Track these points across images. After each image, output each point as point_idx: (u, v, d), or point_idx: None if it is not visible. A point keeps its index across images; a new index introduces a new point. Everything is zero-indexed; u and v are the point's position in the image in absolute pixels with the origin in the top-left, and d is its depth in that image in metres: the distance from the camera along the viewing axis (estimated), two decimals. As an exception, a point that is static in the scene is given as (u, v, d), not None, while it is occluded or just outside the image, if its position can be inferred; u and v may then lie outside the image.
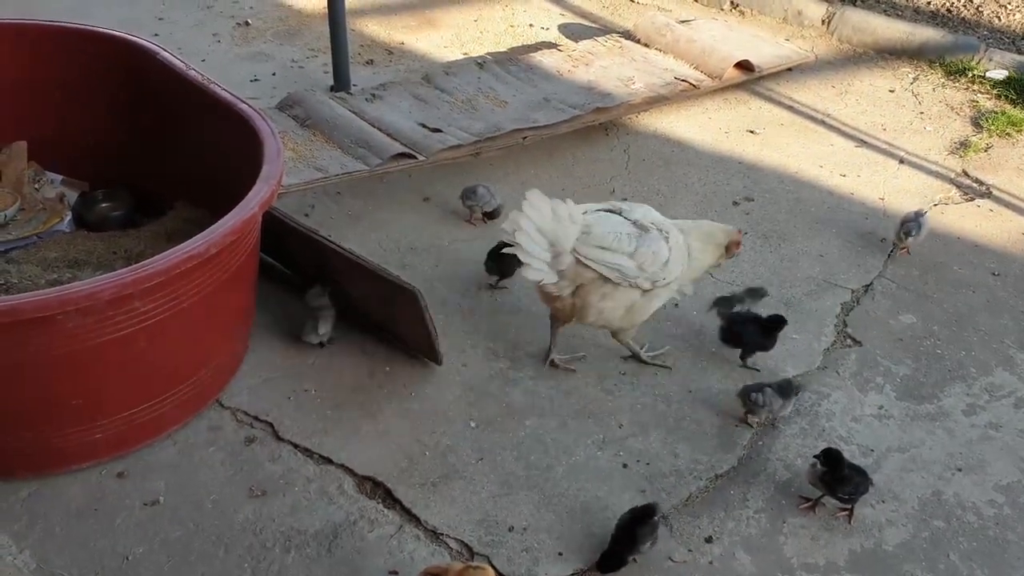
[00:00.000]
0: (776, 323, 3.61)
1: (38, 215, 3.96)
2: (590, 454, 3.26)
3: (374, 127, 4.56)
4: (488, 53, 5.74)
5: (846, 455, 3.10)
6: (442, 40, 6.06)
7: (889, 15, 6.32)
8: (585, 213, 3.33)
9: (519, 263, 3.27)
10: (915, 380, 3.65)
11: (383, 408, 3.37)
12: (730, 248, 3.54)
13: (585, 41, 5.78)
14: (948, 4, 6.52)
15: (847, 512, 3.08)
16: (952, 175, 4.94)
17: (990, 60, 5.81)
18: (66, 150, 4.17)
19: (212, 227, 2.93)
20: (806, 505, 3.10)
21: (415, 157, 4.37)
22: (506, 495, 3.08)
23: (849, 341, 3.82)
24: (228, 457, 3.16)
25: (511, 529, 2.97)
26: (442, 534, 2.94)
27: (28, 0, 5.88)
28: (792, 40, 6.14)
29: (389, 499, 3.05)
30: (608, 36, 5.86)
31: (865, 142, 5.21)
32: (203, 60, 5.48)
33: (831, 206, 4.65)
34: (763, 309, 3.74)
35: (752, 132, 5.23)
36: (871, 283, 4.14)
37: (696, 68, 5.46)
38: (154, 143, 4.05)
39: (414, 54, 5.89)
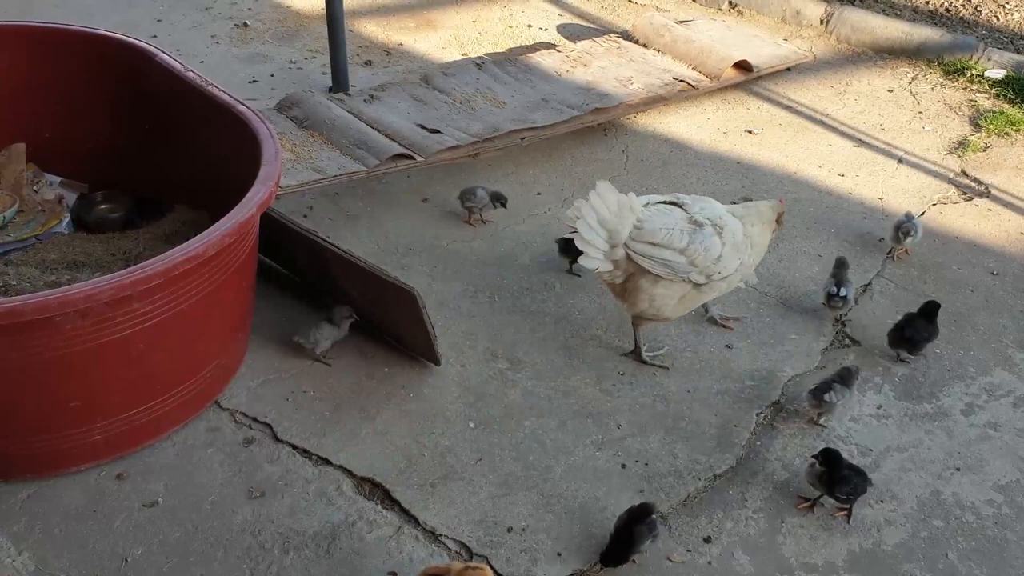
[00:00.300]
0: (933, 309, 3.71)
1: (37, 217, 3.96)
2: (589, 454, 3.26)
3: (372, 128, 4.57)
4: (486, 54, 5.75)
5: (845, 455, 3.10)
6: (440, 41, 6.06)
7: (887, 15, 6.32)
8: (646, 205, 3.42)
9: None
10: (914, 380, 3.65)
11: (382, 409, 3.38)
12: (779, 220, 3.61)
13: (583, 41, 5.78)
14: (946, 3, 6.52)
15: (846, 512, 3.08)
16: (951, 175, 4.95)
17: (989, 59, 5.82)
18: (65, 152, 4.17)
19: (210, 228, 2.93)
20: (805, 505, 3.10)
21: (413, 158, 4.37)
22: (505, 496, 3.09)
23: (848, 341, 3.83)
24: (227, 458, 3.16)
25: (510, 530, 2.98)
26: (441, 535, 2.94)
27: (27, 2, 5.90)
28: (790, 40, 6.14)
29: (388, 500, 3.05)
30: (606, 36, 5.86)
31: (864, 142, 5.21)
32: (201, 62, 5.49)
33: (829, 206, 4.65)
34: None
35: (750, 132, 5.23)
36: (869, 283, 4.14)
37: (694, 68, 5.47)
38: (152, 145, 4.05)
39: (412, 55, 5.89)
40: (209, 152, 3.78)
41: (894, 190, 4.80)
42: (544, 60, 5.48)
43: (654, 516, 2.88)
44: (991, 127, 5.29)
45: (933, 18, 6.39)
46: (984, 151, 5.12)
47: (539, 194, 4.62)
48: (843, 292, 3.81)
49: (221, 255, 3.00)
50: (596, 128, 5.08)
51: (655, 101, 5.20)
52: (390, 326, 3.61)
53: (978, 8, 6.48)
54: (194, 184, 3.94)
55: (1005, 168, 5.00)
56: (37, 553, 2.83)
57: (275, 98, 4.96)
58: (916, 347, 3.68)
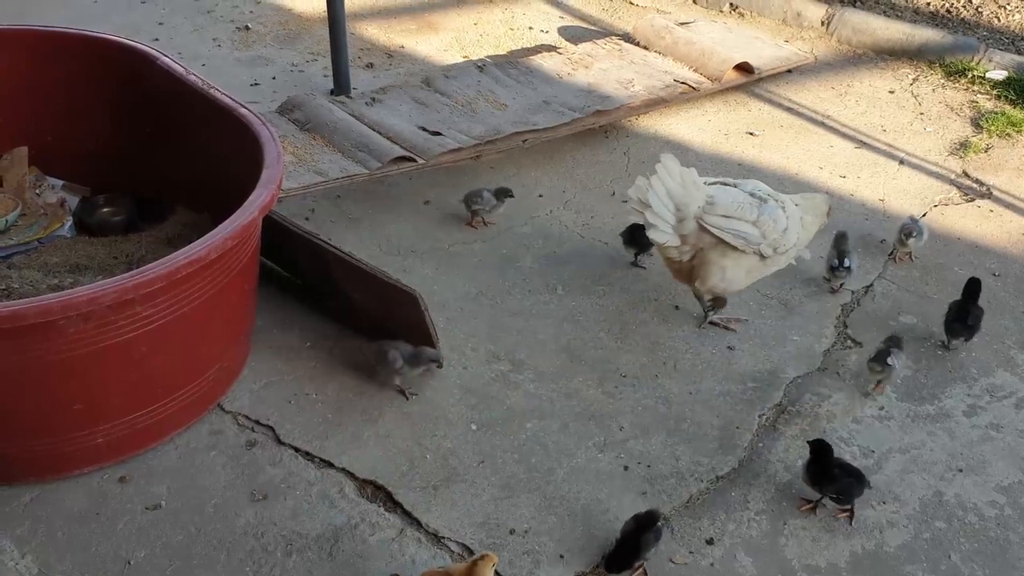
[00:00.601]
0: (975, 288, 3.80)
1: (39, 220, 3.97)
2: (591, 456, 3.26)
3: (374, 130, 4.57)
4: (488, 56, 5.75)
5: (847, 457, 3.10)
6: (442, 43, 6.07)
7: (888, 16, 6.32)
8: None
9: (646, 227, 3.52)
10: (916, 381, 3.65)
11: (384, 411, 3.38)
12: (828, 213, 3.86)
13: (584, 44, 5.79)
14: (947, 5, 6.52)
15: (847, 513, 3.08)
16: (952, 176, 4.95)
17: (990, 61, 5.82)
18: (67, 155, 4.17)
19: (213, 232, 2.93)
20: (807, 507, 3.10)
21: (415, 160, 4.38)
22: (507, 498, 3.09)
23: (849, 342, 3.83)
24: (229, 461, 3.16)
25: (512, 532, 2.98)
26: (443, 537, 2.94)
27: (28, 6, 5.91)
28: (791, 42, 6.14)
29: (390, 502, 3.06)
30: (607, 39, 5.86)
31: (865, 143, 5.21)
32: (203, 65, 5.49)
33: (831, 207, 4.64)
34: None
35: (751, 134, 5.24)
36: (871, 284, 4.14)
37: (695, 70, 5.47)
38: (154, 148, 4.05)
39: (414, 57, 5.89)
40: (211, 155, 3.78)
41: (895, 191, 4.80)
42: (545, 62, 5.48)
43: (660, 524, 2.88)
44: (992, 128, 5.29)
45: (934, 19, 6.39)
46: (985, 152, 5.12)
47: (541, 196, 4.63)
48: (847, 263, 3.94)
49: (223, 258, 3.01)
50: (597, 130, 5.09)
51: (656, 103, 5.20)
52: (392, 328, 3.61)
53: (979, 9, 6.48)
54: (196, 187, 3.94)
55: (1007, 169, 5.00)
56: (40, 556, 2.83)
57: (277, 101, 4.97)
58: (974, 331, 3.75)
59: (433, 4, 6.55)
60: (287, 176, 4.02)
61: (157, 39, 5.74)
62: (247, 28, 6.11)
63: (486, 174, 4.68)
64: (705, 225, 3.49)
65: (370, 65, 5.76)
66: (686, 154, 5.01)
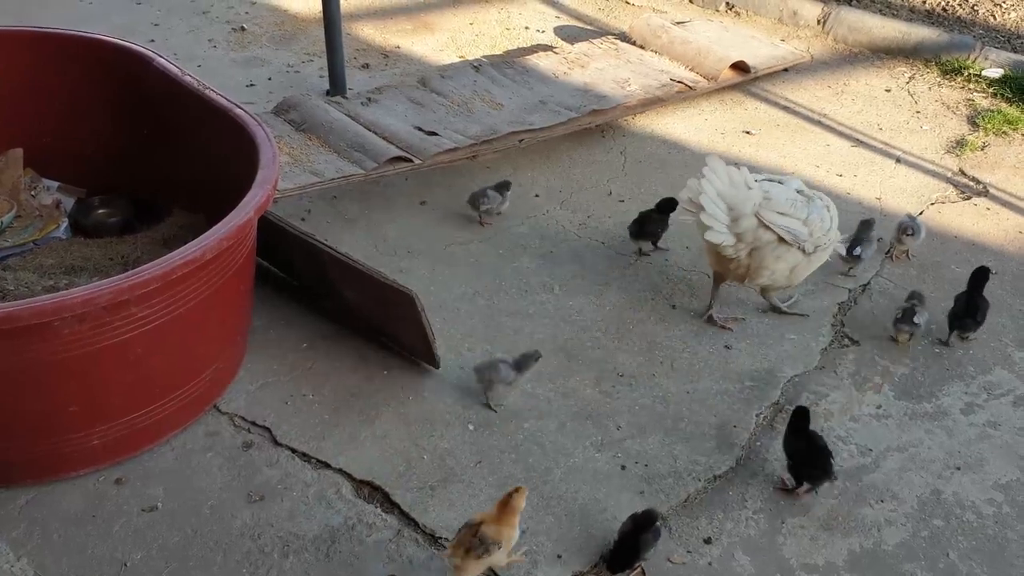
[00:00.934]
0: (983, 275, 3.85)
1: (34, 222, 3.96)
2: (588, 456, 3.25)
3: (370, 131, 4.57)
4: (484, 56, 5.75)
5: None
6: (438, 43, 6.06)
7: (884, 15, 6.33)
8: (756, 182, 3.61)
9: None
10: (913, 379, 3.65)
11: (381, 412, 3.37)
12: None
13: (580, 43, 5.78)
14: (943, 3, 6.52)
15: (807, 491, 3.10)
16: (949, 174, 4.95)
17: (986, 59, 5.82)
18: (62, 156, 4.17)
19: (208, 232, 2.93)
20: (781, 487, 3.13)
21: (411, 160, 4.37)
22: (505, 498, 3.08)
23: (847, 341, 3.82)
24: (226, 462, 3.16)
25: (510, 532, 2.97)
26: (441, 537, 2.93)
27: (24, 7, 5.90)
28: (788, 40, 6.14)
29: (387, 503, 3.05)
30: (603, 38, 5.86)
31: (861, 142, 5.21)
32: (199, 66, 5.48)
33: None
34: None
35: (748, 133, 5.23)
36: (868, 283, 4.14)
37: (692, 69, 5.47)
38: (150, 149, 4.05)
39: (410, 57, 5.89)
40: (207, 155, 3.78)
41: (892, 190, 4.80)
42: (541, 62, 5.48)
43: (658, 524, 2.87)
44: (989, 126, 5.29)
45: (930, 18, 6.39)
46: (982, 150, 5.13)
47: (537, 196, 4.62)
48: (856, 251, 4.01)
49: (219, 259, 3.00)
50: (594, 130, 5.08)
51: (653, 102, 5.20)
52: (388, 329, 3.61)
53: (975, 7, 6.48)
54: (192, 188, 3.94)
55: (1003, 167, 5.00)
56: (36, 559, 2.82)
57: (272, 101, 4.96)
58: (979, 325, 3.79)
59: (429, 4, 6.55)
60: (283, 177, 4.01)
61: (153, 40, 5.73)
62: (243, 29, 6.11)
63: (482, 174, 4.68)
64: (765, 221, 3.52)
65: (366, 65, 5.76)
66: (683, 153, 5.01)
